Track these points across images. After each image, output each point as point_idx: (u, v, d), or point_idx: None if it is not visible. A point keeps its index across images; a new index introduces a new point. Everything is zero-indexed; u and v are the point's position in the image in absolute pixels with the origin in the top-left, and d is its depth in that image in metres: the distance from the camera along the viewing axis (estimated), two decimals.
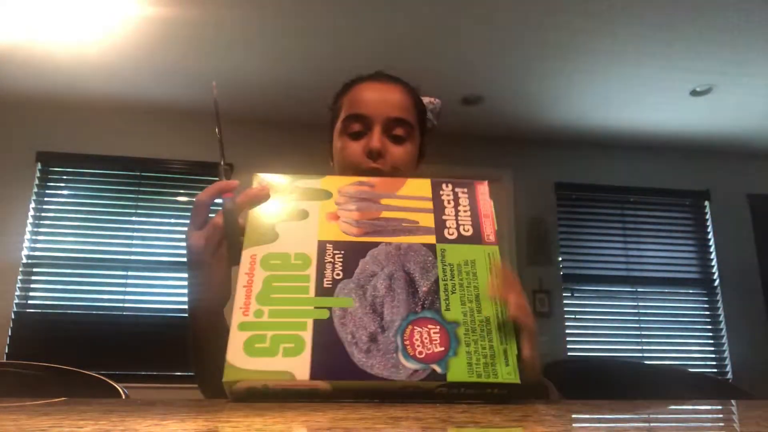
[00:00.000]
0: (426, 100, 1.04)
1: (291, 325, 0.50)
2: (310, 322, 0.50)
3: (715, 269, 4.17)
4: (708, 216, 4.27)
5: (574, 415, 0.46)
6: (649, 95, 3.54)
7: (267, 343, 0.48)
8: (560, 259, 4.05)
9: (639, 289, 4.11)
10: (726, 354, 4.03)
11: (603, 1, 2.66)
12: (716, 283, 4.16)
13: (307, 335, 0.50)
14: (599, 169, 4.23)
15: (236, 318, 0.50)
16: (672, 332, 4.07)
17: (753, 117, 3.79)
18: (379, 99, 0.95)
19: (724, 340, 4.05)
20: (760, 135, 4.06)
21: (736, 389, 0.98)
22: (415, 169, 0.98)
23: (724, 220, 4.25)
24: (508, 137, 4.10)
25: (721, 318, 4.09)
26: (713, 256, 4.20)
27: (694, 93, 3.48)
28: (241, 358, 0.48)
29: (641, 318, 4.06)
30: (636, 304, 4.09)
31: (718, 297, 4.13)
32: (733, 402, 0.73)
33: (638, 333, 4.04)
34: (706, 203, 4.29)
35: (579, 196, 4.21)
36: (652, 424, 0.49)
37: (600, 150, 4.24)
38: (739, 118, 3.81)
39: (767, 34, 2.89)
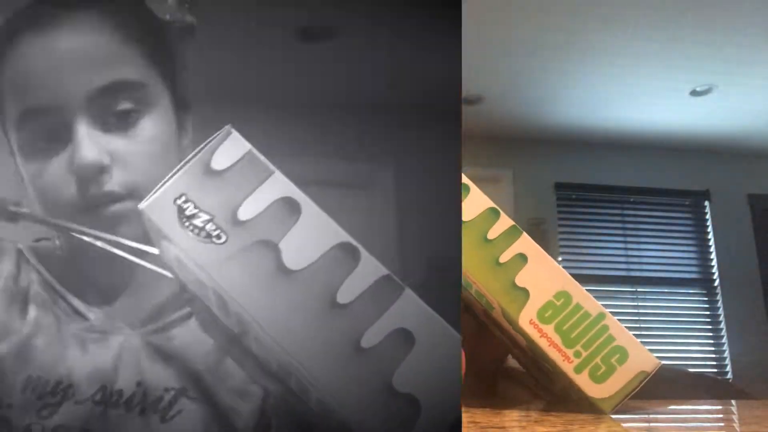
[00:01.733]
0: None
1: (599, 341, 0.50)
2: (604, 327, 0.51)
3: (715, 269, 4.17)
4: (708, 216, 4.27)
5: (573, 416, 0.46)
6: (649, 95, 3.53)
7: (603, 366, 0.49)
8: (560, 259, 4.04)
9: (639, 289, 4.11)
10: (726, 354, 4.03)
11: (603, 1, 2.66)
12: (716, 283, 4.15)
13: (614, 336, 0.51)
14: (599, 169, 4.22)
15: (566, 369, 0.50)
16: (672, 332, 4.06)
17: (753, 117, 3.78)
18: (62, 65, 0.47)
19: (724, 340, 4.04)
20: (760, 135, 4.05)
21: (736, 389, 0.98)
22: (178, 143, 0.53)
23: (724, 220, 4.25)
24: (508, 137, 4.10)
25: (721, 318, 4.09)
26: (713, 256, 4.20)
27: (694, 93, 3.48)
28: (599, 389, 0.49)
29: (641, 318, 4.05)
30: (636, 304, 4.08)
31: (718, 297, 4.12)
32: (733, 402, 0.73)
33: (638, 333, 4.03)
34: (706, 203, 4.28)
35: (579, 196, 4.20)
36: (652, 424, 0.49)
37: (600, 150, 4.24)
38: (739, 118, 3.81)
39: (767, 34, 2.89)
